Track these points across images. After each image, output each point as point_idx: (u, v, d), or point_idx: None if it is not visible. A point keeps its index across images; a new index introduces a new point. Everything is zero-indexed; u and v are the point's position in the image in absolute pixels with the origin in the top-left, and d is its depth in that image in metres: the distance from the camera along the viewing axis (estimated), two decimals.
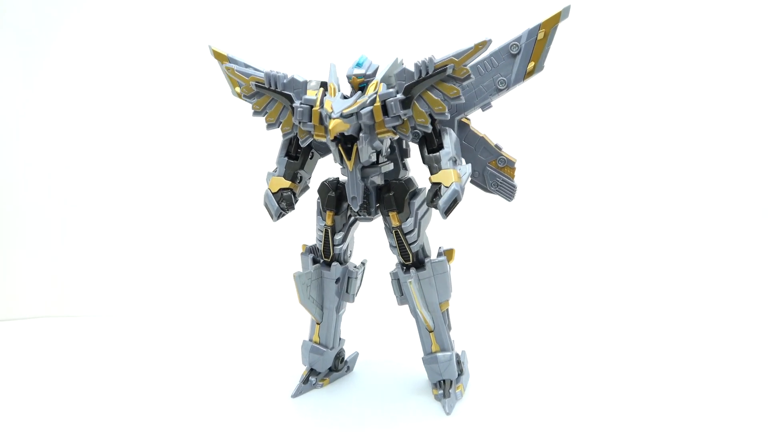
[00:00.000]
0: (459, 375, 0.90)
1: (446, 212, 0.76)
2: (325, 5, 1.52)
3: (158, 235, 1.53)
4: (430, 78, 0.78)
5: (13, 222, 1.52)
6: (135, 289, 1.49)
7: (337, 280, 0.92)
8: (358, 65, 0.84)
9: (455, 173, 0.77)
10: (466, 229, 1.46)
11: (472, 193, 0.87)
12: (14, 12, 1.49)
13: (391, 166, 0.87)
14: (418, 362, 0.92)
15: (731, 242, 1.42)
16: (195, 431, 0.83)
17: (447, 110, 0.78)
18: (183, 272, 1.51)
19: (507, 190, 0.88)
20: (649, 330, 1.18)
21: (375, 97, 0.79)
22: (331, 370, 0.99)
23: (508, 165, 0.87)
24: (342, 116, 0.77)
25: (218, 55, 0.95)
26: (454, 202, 0.76)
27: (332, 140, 0.81)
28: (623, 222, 1.46)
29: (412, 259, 0.85)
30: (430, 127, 0.80)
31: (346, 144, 0.81)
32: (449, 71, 0.77)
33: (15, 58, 1.51)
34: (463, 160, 0.82)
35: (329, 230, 0.89)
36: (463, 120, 0.87)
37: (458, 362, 0.90)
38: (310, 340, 0.96)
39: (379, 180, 0.86)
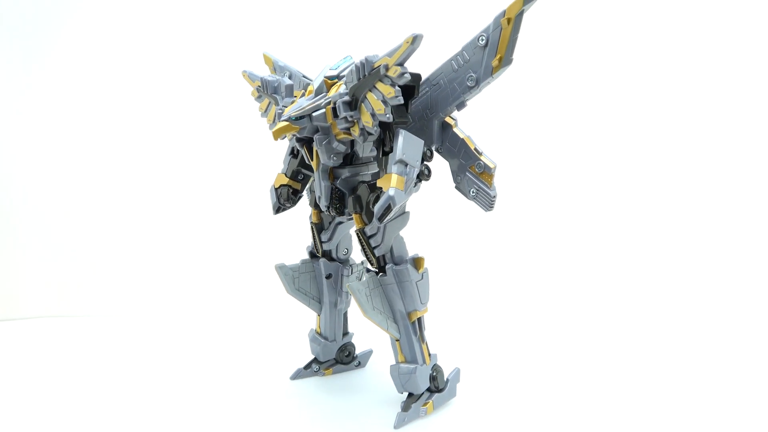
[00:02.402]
0: (433, 392, 0.85)
1: (380, 218, 0.72)
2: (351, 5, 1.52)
3: (158, 235, 1.53)
4: (370, 78, 0.75)
5: (13, 222, 1.52)
6: (135, 289, 1.49)
7: (329, 276, 0.94)
8: (335, 66, 0.83)
9: (396, 178, 0.72)
10: (462, 236, 1.47)
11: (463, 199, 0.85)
12: (14, 12, 1.50)
13: (374, 168, 0.85)
14: None
15: (716, 244, 1.42)
16: (195, 426, 0.84)
17: (388, 112, 0.74)
18: (183, 271, 1.51)
19: (483, 199, 0.77)
20: (642, 340, 1.14)
21: (330, 99, 0.78)
22: (337, 362, 1.01)
23: (486, 171, 0.76)
24: (291, 119, 0.78)
25: (267, 60, 0.97)
26: (388, 207, 0.72)
27: (297, 141, 0.83)
28: (615, 226, 1.47)
29: (375, 263, 0.82)
30: (375, 129, 0.76)
31: (311, 145, 0.83)
32: (382, 71, 0.73)
33: (17, 58, 1.51)
34: (417, 163, 0.75)
35: (314, 227, 0.93)
36: (447, 120, 0.80)
37: (434, 378, 0.85)
38: (314, 329, 1.00)
39: (364, 180, 0.85)
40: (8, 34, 1.50)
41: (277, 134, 0.78)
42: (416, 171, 0.74)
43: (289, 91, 0.89)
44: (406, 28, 1.55)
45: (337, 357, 1.00)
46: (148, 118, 1.54)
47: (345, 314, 1.00)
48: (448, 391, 0.87)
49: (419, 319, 0.83)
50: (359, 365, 1.03)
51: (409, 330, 0.82)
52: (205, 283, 1.49)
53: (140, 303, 1.47)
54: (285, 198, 0.91)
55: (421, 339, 0.84)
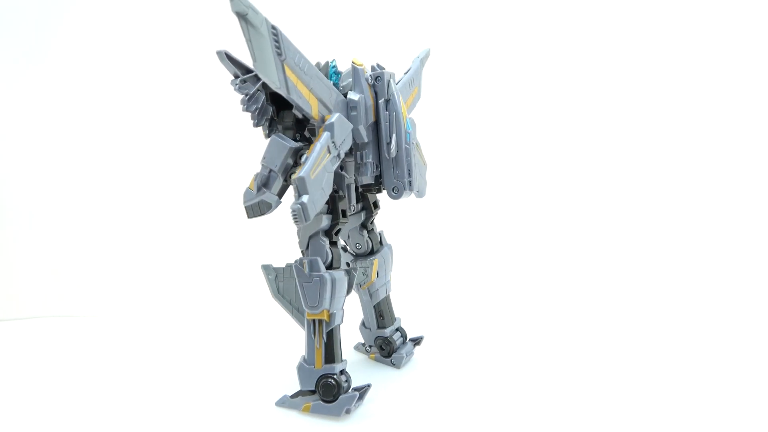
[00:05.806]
0: (322, 397, 0.83)
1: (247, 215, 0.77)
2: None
3: (158, 235, 1.53)
4: None
5: (12, 222, 1.52)
6: (135, 289, 1.49)
7: None
8: None
9: (251, 179, 0.78)
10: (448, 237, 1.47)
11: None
12: (12, 11, 1.50)
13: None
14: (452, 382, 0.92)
15: (706, 245, 1.44)
16: (195, 427, 0.84)
17: (252, 117, 0.78)
18: (183, 271, 1.50)
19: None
20: (624, 361, 0.99)
21: None
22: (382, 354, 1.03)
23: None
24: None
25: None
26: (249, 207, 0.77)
27: None
28: (596, 230, 1.49)
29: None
30: (266, 132, 0.81)
31: None
32: None
33: (15, 57, 1.51)
34: (276, 167, 0.77)
35: None
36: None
37: (320, 385, 0.83)
38: None
39: None
40: (7, 33, 1.50)
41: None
42: (277, 174, 0.78)
43: None
44: (406, 30, 1.55)
45: (375, 346, 1.03)
46: (145, 121, 1.55)
47: (380, 309, 1.00)
48: (333, 408, 0.83)
49: (314, 322, 0.83)
50: (393, 365, 1.01)
51: (306, 327, 0.84)
52: (209, 281, 1.47)
53: (140, 303, 1.46)
54: None
55: (317, 343, 0.83)
